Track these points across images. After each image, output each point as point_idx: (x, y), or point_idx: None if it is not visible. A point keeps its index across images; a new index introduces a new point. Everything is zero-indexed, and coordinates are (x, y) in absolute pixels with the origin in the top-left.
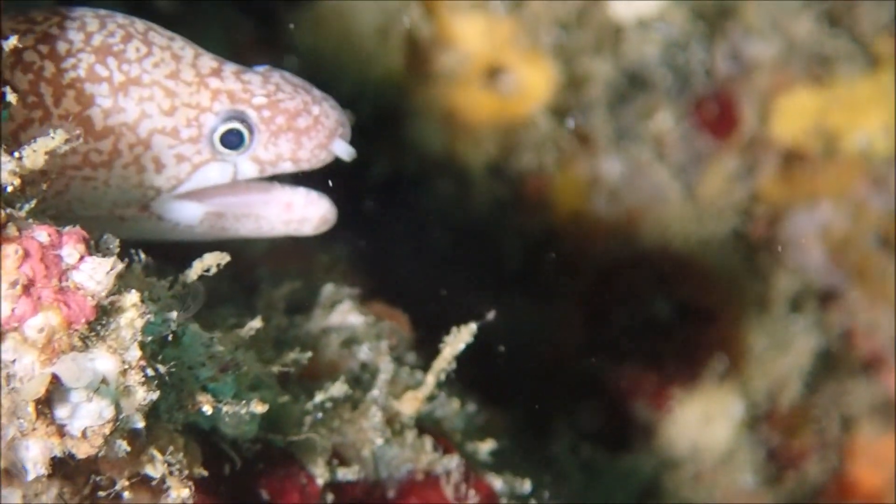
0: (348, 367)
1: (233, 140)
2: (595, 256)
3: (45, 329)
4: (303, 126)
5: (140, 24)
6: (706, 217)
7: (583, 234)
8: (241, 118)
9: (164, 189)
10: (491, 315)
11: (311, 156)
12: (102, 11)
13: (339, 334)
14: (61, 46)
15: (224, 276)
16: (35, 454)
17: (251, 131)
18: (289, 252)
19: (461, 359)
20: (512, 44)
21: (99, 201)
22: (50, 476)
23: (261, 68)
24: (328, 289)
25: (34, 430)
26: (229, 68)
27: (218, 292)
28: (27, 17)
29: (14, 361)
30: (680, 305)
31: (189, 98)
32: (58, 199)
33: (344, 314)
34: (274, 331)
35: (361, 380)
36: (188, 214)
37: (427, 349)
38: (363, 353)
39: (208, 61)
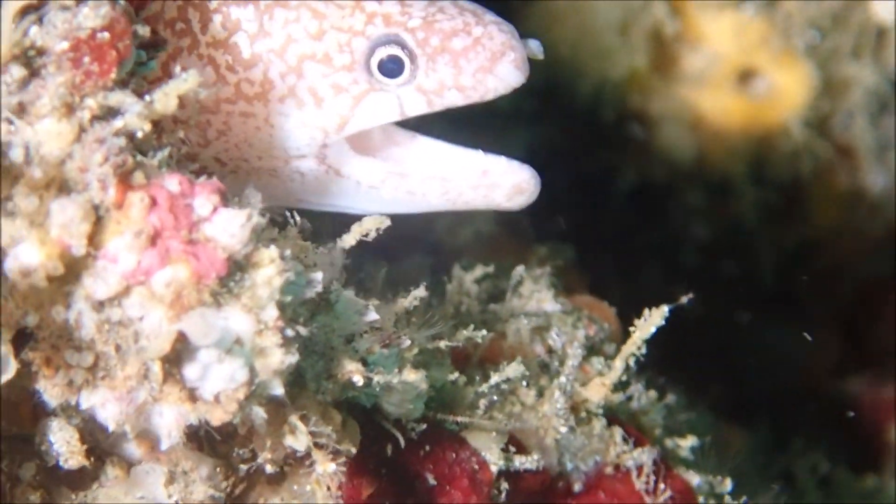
0: (535, 352)
1: (392, 68)
2: (854, 273)
3: (172, 283)
4: (459, 47)
5: None
6: None
7: (842, 249)
8: (398, 42)
9: (331, 129)
10: (685, 299)
11: (476, 82)
12: None
13: (531, 320)
14: None
15: (424, 268)
16: (169, 421)
17: (411, 58)
18: (502, 245)
19: (703, 373)
20: (763, 45)
21: (268, 146)
22: (200, 449)
23: None
24: (527, 274)
25: (164, 393)
26: None
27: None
28: None
29: (142, 318)
30: None
31: (340, 21)
32: (223, 142)
33: (540, 301)
34: (459, 312)
35: (550, 367)
36: (370, 172)
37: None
38: (553, 339)
39: None
